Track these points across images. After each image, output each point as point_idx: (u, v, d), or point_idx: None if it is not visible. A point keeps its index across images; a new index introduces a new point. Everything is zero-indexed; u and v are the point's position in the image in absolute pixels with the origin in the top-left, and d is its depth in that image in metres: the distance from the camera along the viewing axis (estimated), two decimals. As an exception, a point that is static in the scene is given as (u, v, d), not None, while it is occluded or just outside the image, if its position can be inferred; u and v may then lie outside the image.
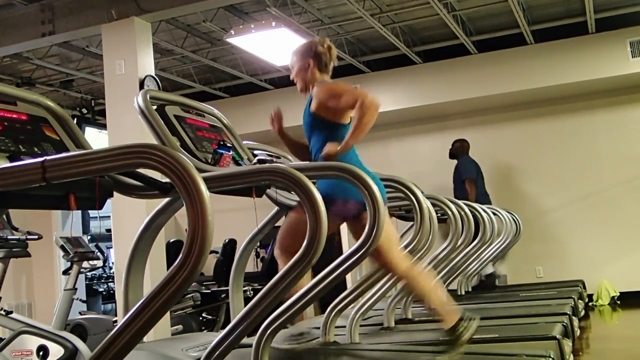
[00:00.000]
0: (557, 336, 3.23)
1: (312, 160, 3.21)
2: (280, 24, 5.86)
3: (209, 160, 2.51)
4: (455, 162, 7.44)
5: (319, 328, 3.43)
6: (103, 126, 6.43)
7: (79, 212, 7.44)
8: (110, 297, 7.30)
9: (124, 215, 4.96)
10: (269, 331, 2.40)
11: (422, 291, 3.09)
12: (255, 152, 3.05)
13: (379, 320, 4.05)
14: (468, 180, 7.14)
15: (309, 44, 3.33)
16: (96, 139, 7.18)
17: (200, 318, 5.74)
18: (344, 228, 4.77)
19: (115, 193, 1.94)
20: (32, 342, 4.09)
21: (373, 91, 8.09)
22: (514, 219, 6.36)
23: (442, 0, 6.16)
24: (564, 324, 3.69)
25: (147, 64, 5.44)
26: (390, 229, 3.08)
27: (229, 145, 2.63)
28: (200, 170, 1.60)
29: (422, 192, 3.36)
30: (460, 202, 4.25)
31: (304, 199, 1.85)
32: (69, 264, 4.76)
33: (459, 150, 7.46)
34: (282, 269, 2.03)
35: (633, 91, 7.54)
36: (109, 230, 6.00)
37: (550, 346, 3.06)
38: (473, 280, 6.39)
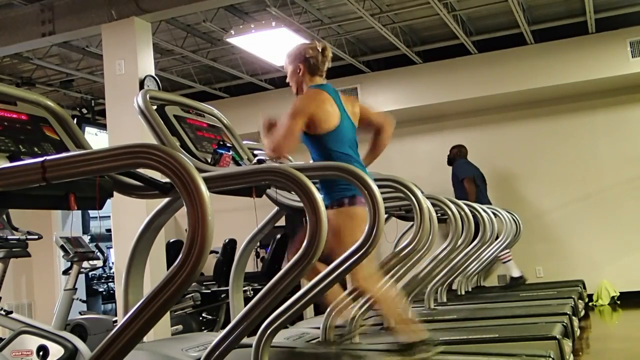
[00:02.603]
0: (557, 336, 3.23)
1: None
2: (280, 24, 5.86)
3: (209, 160, 2.51)
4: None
5: (319, 328, 3.43)
6: (103, 126, 6.43)
7: (79, 212, 7.43)
8: (110, 297, 7.29)
9: (124, 215, 4.95)
10: (269, 331, 2.40)
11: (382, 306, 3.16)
12: (255, 152, 3.05)
13: (379, 320, 4.05)
14: (466, 179, 7.15)
15: (300, 48, 3.38)
16: (95, 139, 7.18)
17: (200, 318, 5.74)
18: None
19: (115, 193, 1.94)
20: (32, 342, 4.09)
21: (373, 91, 8.08)
22: (514, 219, 6.37)
23: (442, 0, 6.16)
24: (564, 324, 3.69)
25: (147, 64, 5.44)
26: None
27: (229, 145, 2.63)
28: (200, 170, 1.60)
29: (422, 192, 3.36)
30: (460, 202, 4.25)
31: (304, 199, 1.85)
32: (69, 264, 4.76)
33: (456, 155, 7.48)
34: (282, 269, 2.03)
35: (633, 91, 7.54)
36: (109, 230, 6.00)
37: (550, 346, 3.06)
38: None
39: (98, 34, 5.66)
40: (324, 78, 3.38)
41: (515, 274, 7.06)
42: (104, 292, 7.44)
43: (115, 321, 5.27)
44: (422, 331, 3.07)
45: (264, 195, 2.83)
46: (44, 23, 5.67)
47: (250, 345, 2.43)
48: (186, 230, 1.37)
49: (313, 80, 3.33)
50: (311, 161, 3.27)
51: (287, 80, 3.42)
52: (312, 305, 4.22)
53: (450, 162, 7.52)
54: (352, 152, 3.26)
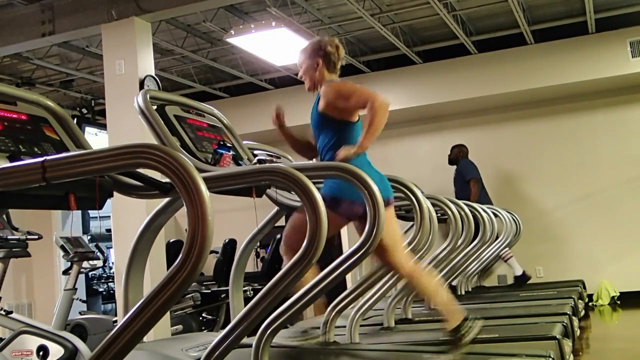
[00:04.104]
0: (557, 336, 3.23)
1: (320, 158, 3.22)
2: (280, 24, 5.86)
3: (209, 160, 2.51)
4: (453, 167, 7.46)
5: (319, 328, 3.43)
6: (103, 126, 6.43)
7: (79, 212, 7.43)
8: (110, 297, 7.30)
9: (124, 215, 4.95)
10: (269, 331, 2.40)
11: (425, 290, 3.11)
12: (255, 152, 3.05)
13: (379, 320, 4.05)
14: (473, 180, 7.15)
15: (318, 43, 3.29)
16: (95, 139, 7.18)
17: (200, 318, 5.74)
18: (343, 228, 4.76)
19: (115, 193, 1.94)
20: (32, 342, 4.09)
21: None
22: (514, 219, 6.37)
23: (442, 0, 6.16)
24: (564, 324, 3.69)
25: (147, 64, 5.44)
26: (395, 227, 3.08)
27: (229, 145, 2.63)
28: (200, 170, 1.60)
29: (422, 192, 3.36)
30: (460, 202, 4.25)
31: (304, 199, 1.85)
32: (69, 264, 4.76)
33: (458, 155, 7.48)
34: (283, 269, 2.04)
35: (633, 91, 7.54)
36: (109, 230, 6.00)
37: (550, 346, 3.06)
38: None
39: (98, 34, 5.66)
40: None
41: (518, 272, 7.07)
42: (104, 292, 7.45)
43: (115, 321, 5.27)
44: (460, 310, 3.04)
45: (264, 195, 2.82)
46: (44, 23, 5.66)
47: (250, 345, 2.44)
48: (186, 230, 1.37)
49: (330, 76, 3.26)
50: (321, 144, 3.22)
51: (300, 76, 3.31)
52: (312, 305, 4.22)
53: (451, 161, 7.52)
54: None
